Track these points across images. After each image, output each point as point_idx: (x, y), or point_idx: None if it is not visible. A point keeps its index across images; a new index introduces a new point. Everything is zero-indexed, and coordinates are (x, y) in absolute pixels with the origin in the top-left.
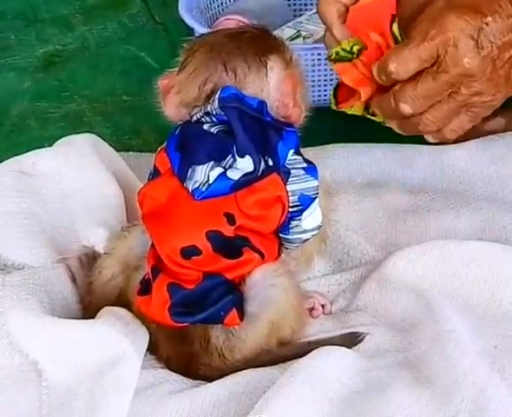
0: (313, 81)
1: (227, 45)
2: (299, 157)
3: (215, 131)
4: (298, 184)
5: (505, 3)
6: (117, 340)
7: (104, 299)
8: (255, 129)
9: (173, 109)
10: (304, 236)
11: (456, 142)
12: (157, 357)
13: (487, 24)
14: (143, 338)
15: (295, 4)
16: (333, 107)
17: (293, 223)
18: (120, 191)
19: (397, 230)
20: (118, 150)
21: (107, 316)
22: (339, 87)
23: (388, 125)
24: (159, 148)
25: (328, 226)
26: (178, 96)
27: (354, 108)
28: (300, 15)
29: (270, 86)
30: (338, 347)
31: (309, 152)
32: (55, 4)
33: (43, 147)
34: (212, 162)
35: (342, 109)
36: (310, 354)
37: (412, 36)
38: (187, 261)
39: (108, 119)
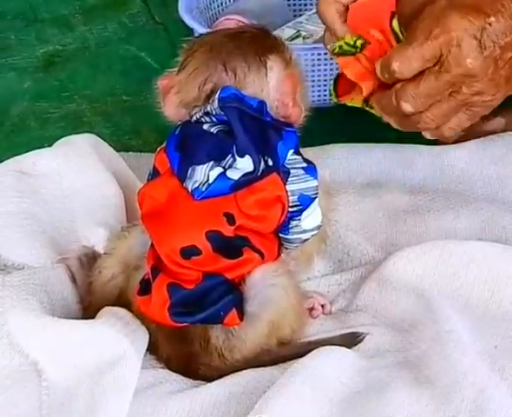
0: (313, 81)
1: (227, 45)
2: (299, 157)
3: (215, 131)
4: (298, 184)
5: (508, 3)
6: (117, 340)
7: (104, 299)
8: (255, 128)
9: (172, 109)
10: (303, 236)
11: (456, 142)
12: (157, 357)
13: (490, 24)
14: (143, 338)
15: (295, 4)
16: (333, 99)
17: (293, 223)
18: (120, 191)
19: (397, 230)
20: (118, 150)
21: (107, 316)
22: (339, 79)
23: (386, 120)
24: (158, 149)
25: (328, 226)
26: (178, 96)
27: (354, 100)
28: (300, 15)
29: (270, 86)
30: (338, 347)
31: (309, 152)
32: (55, 4)
33: (43, 147)
34: (211, 162)
35: (342, 102)
36: (310, 354)
37: (415, 36)
38: (186, 261)
39: (108, 119)
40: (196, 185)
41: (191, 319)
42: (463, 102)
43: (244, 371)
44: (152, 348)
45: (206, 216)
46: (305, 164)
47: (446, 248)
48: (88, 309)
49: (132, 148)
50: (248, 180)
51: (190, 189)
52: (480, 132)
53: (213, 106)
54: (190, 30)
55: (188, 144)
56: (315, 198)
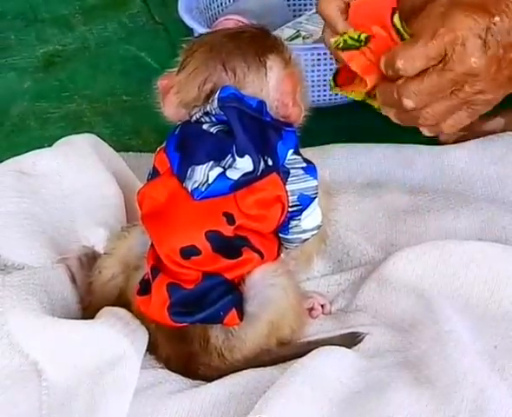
0: (313, 81)
1: (227, 45)
2: (299, 157)
3: (215, 131)
4: (298, 184)
5: None
6: (117, 340)
7: (104, 299)
8: (254, 128)
9: (172, 109)
10: (303, 236)
11: (456, 142)
12: (157, 357)
13: (494, 24)
14: (143, 338)
15: (295, 4)
16: (333, 91)
17: (293, 223)
18: (120, 191)
19: (396, 230)
20: (118, 150)
21: (107, 316)
22: (339, 73)
23: (385, 113)
24: (158, 149)
25: (328, 226)
26: (177, 96)
27: (354, 92)
28: (300, 15)
29: (269, 86)
30: (338, 347)
31: (309, 152)
32: (55, 4)
33: (43, 147)
34: (211, 162)
35: (341, 93)
36: (310, 354)
37: (420, 34)
38: (186, 261)
39: (108, 119)
40: (196, 185)
41: (190, 319)
42: (465, 100)
43: (244, 371)
44: (151, 348)
45: (206, 216)
46: (304, 164)
47: (446, 248)
48: (88, 309)
49: (132, 148)
50: (248, 180)
51: (190, 189)
52: (480, 132)
53: (213, 106)
54: (190, 30)
55: (188, 144)
56: (315, 198)
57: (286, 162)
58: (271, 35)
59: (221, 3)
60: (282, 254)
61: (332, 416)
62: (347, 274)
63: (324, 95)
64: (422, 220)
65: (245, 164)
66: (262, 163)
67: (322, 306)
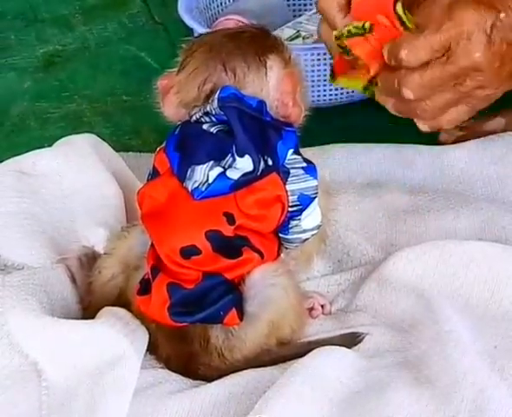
0: (313, 81)
1: (227, 45)
2: (299, 157)
3: (215, 131)
4: (298, 184)
5: None
6: (117, 340)
7: (104, 299)
8: (254, 128)
9: (172, 109)
10: (303, 236)
11: (456, 142)
12: (157, 357)
13: (500, 21)
14: (143, 338)
15: (295, 4)
16: (331, 82)
17: (293, 223)
18: (120, 191)
19: (396, 230)
20: (118, 150)
21: (106, 316)
22: (335, 64)
23: (383, 103)
24: (158, 149)
25: (328, 226)
26: (177, 97)
27: (353, 82)
28: (300, 15)
29: (269, 85)
30: (338, 347)
31: (309, 152)
32: (55, 4)
33: (43, 147)
34: (211, 162)
35: (340, 84)
36: (310, 354)
37: (426, 25)
38: (186, 261)
39: (108, 119)
40: (196, 185)
41: (191, 319)
42: (465, 94)
43: (244, 371)
44: (152, 348)
45: (206, 216)
46: (304, 164)
47: (446, 248)
48: (88, 309)
49: (132, 148)
50: (248, 180)
51: (190, 189)
52: (480, 132)
53: (213, 106)
54: (190, 30)
55: (188, 144)
56: (315, 198)
57: (286, 161)
58: (271, 35)
59: (221, 3)
60: (282, 254)
61: (332, 416)
62: (347, 274)
63: (324, 95)
64: (422, 220)
65: (245, 164)
66: (262, 163)
67: (322, 306)
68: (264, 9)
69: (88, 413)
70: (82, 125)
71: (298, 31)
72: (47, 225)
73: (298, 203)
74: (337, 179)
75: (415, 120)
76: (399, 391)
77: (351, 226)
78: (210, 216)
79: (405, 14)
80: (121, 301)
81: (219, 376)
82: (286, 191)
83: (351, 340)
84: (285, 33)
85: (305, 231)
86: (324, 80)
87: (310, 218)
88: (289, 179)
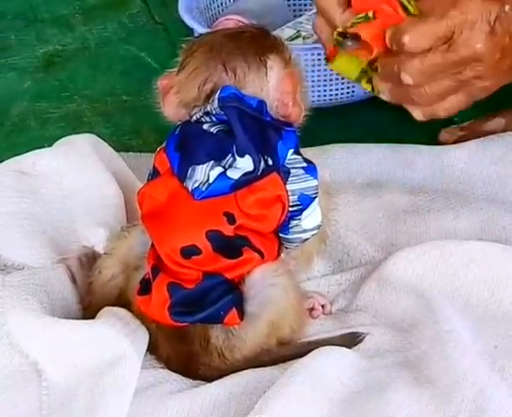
0: (313, 81)
1: (227, 45)
2: (299, 157)
3: (215, 131)
4: (298, 184)
5: None
6: (117, 340)
7: (104, 299)
8: (255, 128)
9: (172, 109)
10: (303, 236)
11: (456, 142)
12: (157, 357)
13: (505, 13)
14: (143, 338)
15: (295, 4)
16: (329, 67)
17: (293, 223)
18: (120, 191)
19: (397, 230)
20: (118, 150)
21: (107, 316)
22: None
23: (379, 89)
24: (158, 149)
25: (328, 226)
26: (177, 96)
27: (351, 66)
28: (300, 15)
29: (269, 85)
30: (338, 347)
31: (309, 152)
32: (55, 4)
33: (43, 147)
34: (212, 162)
35: (336, 65)
36: (310, 354)
37: (430, 12)
38: (186, 261)
39: (108, 119)
40: (196, 185)
41: (191, 318)
42: (464, 83)
43: (244, 371)
44: (152, 348)
45: (207, 216)
46: (305, 164)
47: (446, 248)
48: (88, 309)
49: (132, 149)
50: (248, 179)
51: (190, 189)
52: (480, 132)
53: (213, 106)
54: (190, 30)
55: (188, 144)
56: (315, 198)
57: (287, 161)
58: (271, 35)
59: (221, 3)
60: (282, 254)
61: (332, 416)
62: (347, 274)
63: (325, 95)
64: (422, 220)
65: (245, 164)
66: (262, 163)
67: (322, 306)
68: (264, 9)
69: (89, 413)
70: (82, 125)
71: (299, 31)
72: (47, 225)
73: (298, 203)
74: (337, 179)
75: (409, 109)
76: (399, 391)
77: (352, 226)
78: (210, 216)
79: (408, 1)
80: (122, 301)
81: (220, 376)
82: (287, 191)
83: (351, 340)
84: (285, 33)
85: (305, 231)
86: (325, 80)
87: (310, 218)
88: (289, 179)
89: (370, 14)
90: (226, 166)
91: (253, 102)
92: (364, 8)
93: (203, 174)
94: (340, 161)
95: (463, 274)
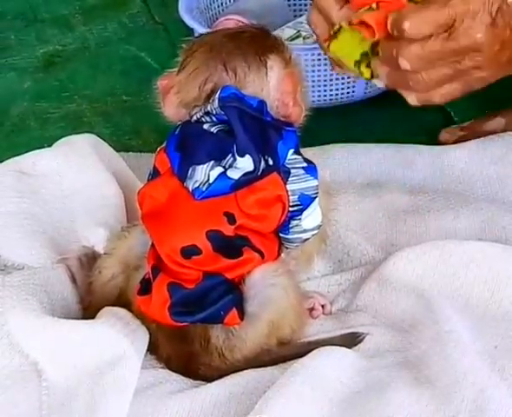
0: (313, 81)
1: (227, 45)
2: (299, 157)
3: (215, 131)
4: (298, 184)
5: None
6: (117, 340)
7: (104, 299)
8: (255, 128)
9: (172, 109)
10: (304, 236)
11: (456, 142)
12: (157, 357)
13: (507, 5)
14: (143, 338)
15: (295, 4)
16: (328, 49)
17: (293, 223)
18: (120, 191)
19: (397, 230)
20: (118, 150)
21: (107, 316)
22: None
23: (377, 74)
24: (158, 149)
25: (328, 226)
26: (178, 96)
27: (351, 49)
28: (300, 15)
29: (270, 85)
30: (338, 347)
31: (309, 152)
32: (55, 4)
33: (43, 147)
34: (212, 162)
35: (335, 48)
36: (310, 354)
37: (433, 0)
38: (187, 261)
39: (108, 119)
40: (197, 185)
41: (191, 318)
42: (462, 72)
43: (244, 371)
44: (152, 348)
45: (207, 216)
46: (305, 164)
47: (446, 248)
48: (88, 309)
49: (132, 149)
50: (248, 179)
51: (190, 189)
52: (480, 132)
53: (214, 106)
54: (190, 30)
55: (188, 144)
56: (315, 198)
57: (287, 161)
58: (271, 35)
59: (221, 3)
60: (282, 254)
61: (332, 416)
62: (347, 274)
63: (325, 95)
64: (422, 220)
65: (245, 164)
66: (263, 163)
67: (322, 306)
68: (264, 9)
69: (89, 413)
70: (82, 125)
71: (299, 31)
72: (47, 225)
73: (298, 203)
74: (337, 179)
75: (404, 93)
76: (399, 391)
77: (351, 226)
78: (210, 216)
79: None
80: (122, 301)
81: (220, 376)
82: (287, 191)
83: (351, 340)
84: (285, 33)
85: (305, 231)
86: (325, 80)
87: (310, 218)
88: (289, 179)
89: (374, 5)
90: (227, 166)
91: (254, 102)
92: (367, 1)
93: (203, 174)
94: (340, 161)
95: (463, 274)
